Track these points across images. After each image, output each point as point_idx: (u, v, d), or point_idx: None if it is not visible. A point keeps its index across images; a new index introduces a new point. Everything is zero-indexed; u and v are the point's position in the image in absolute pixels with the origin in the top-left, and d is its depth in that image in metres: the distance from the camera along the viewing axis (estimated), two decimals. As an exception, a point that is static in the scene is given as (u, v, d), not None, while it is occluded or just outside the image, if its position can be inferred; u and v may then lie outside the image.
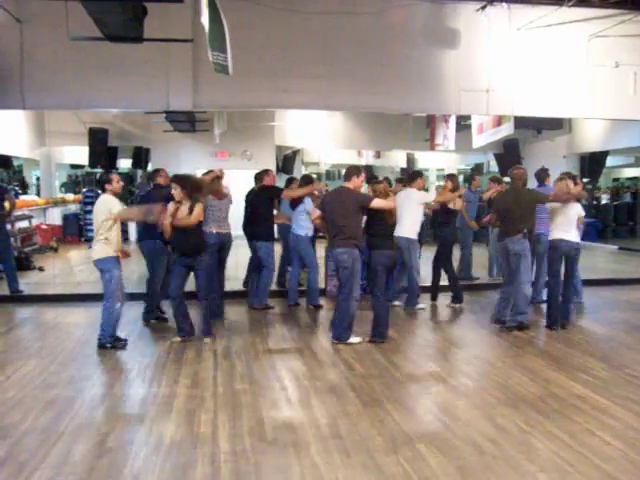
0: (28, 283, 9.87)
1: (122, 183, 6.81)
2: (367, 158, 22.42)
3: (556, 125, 15.86)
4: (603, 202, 20.01)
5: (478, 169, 21.65)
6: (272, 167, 14.03)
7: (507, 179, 8.53)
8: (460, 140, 14.70)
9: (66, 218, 16.77)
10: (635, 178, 26.99)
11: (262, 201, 8.24)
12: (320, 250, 8.88)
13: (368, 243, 6.95)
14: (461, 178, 22.04)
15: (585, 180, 17.45)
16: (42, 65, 8.70)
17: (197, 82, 8.99)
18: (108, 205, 6.37)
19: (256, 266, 8.43)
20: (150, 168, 16.66)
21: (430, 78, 9.60)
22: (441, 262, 8.80)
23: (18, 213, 12.39)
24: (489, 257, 10.54)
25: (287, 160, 18.30)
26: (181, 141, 15.84)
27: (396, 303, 8.41)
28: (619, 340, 7.05)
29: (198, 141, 15.68)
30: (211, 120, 13.93)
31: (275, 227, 8.75)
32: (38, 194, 17.07)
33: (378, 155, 22.40)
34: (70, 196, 18.16)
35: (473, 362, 6.26)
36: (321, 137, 17.66)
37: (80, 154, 17.25)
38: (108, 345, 6.43)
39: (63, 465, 3.81)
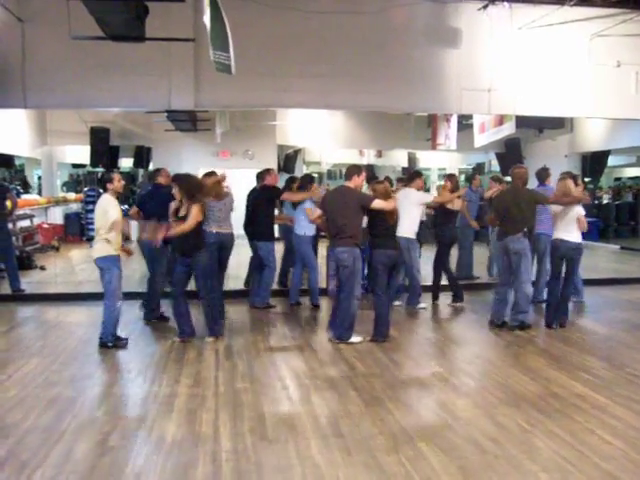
0: (30, 282, 9.88)
1: (123, 182, 6.81)
2: (368, 157, 22.41)
3: (558, 124, 15.85)
4: (605, 202, 19.99)
5: (480, 168, 21.63)
6: (274, 166, 14.01)
7: (509, 178, 8.54)
8: (462, 139, 14.69)
9: (67, 217, 16.77)
10: (637, 178, 26.96)
11: (263, 201, 8.24)
12: (322, 250, 8.88)
13: (370, 242, 6.97)
14: (462, 177, 22.02)
15: (587, 180, 17.47)
16: (44, 64, 8.71)
17: (198, 81, 8.99)
18: (106, 208, 6.36)
19: (257, 265, 8.44)
20: (151, 167, 16.67)
21: (432, 77, 9.60)
22: (440, 262, 8.83)
23: (20, 212, 12.39)
24: (489, 256, 10.54)
25: (289, 159, 18.30)
26: (182, 140, 15.83)
27: (397, 303, 8.41)
28: (620, 339, 7.05)
29: (199, 140, 15.68)
30: (213, 119, 13.93)
31: (277, 227, 8.75)
32: (40, 193, 17.07)
33: (379, 154, 22.40)
34: (72, 195, 18.15)
35: (474, 361, 6.26)
36: (322, 136, 17.65)
37: (82, 153, 17.27)
38: (109, 344, 6.44)
39: (65, 464, 3.82)
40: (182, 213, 6.52)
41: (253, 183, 8.69)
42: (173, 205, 6.63)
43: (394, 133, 17.56)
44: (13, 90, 8.64)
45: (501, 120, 12.54)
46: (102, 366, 6.08)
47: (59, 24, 7.76)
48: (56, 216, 16.45)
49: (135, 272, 9.96)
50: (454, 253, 9.63)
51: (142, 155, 17.69)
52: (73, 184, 21.72)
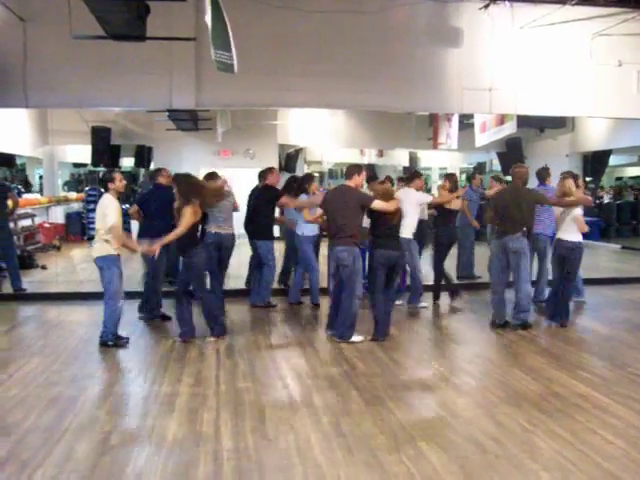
0: (31, 281, 9.89)
1: (125, 182, 6.80)
2: (370, 157, 22.43)
3: (559, 124, 15.85)
4: (606, 201, 19.98)
5: (481, 168, 21.65)
6: (275, 166, 14.04)
7: (510, 178, 8.53)
8: (463, 139, 14.70)
9: (69, 217, 16.79)
10: (638, 177, 26.94)
11: (263, 201, 8.25)
12: (324, 249, 8.88)
13: (371, 242, 6.98)
14: (463, 177, 22.02)
15: (588, 179, 17.46)
16: (45, 64, 8.70)
17: (200, 81, 8.99)
18: (105, 210, 6.34)
19: (257, 265, 8.45)
20: (153, 167, 16.67)
21: (433, 77, 9.60)
22: (436, 261, 8.86)
23: (21, 211, 12.40)
24: (490, 256, 10.52)
25: (290, 159, 18.30)
26: (184, 140, 15.83)
27: (398, 302, 8.41)
28: (621, 339, 7.04)
29: (201, 140, 15.68)
30: (214, 119, 13.93)
31: (279, 226, 8.75)
32: (41, 192, 17.09)
33: (381, 154, 22.42)
34: (73, 195, 18.17)
35: (475, 361, 6.26)
36: (324, 136, 17.66)
37: (83, 152, 17.27)
38: (110, 343, 6.44)
39: (66, 463, 3.83)
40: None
41: (254, 182, 8.68)
42: (175, 204, 6.61)
43: (395, 132, 17.57)
44: (14, 89, 8.64)
45: (502, 119, 12.53)
46: (103, 365, 6.08)
47: (60, 23, 7.77)
48: (57, 215, 16.47)
49: (136, 272, 9.95)
50: (454, 253, 9.62)
51: (143, 154, 17.70)
52: (74, 183, 21.76)
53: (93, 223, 6.68)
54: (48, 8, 8.45)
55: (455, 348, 6.83)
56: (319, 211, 7.03)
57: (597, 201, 18.64)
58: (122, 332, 6.71)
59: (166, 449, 4.04)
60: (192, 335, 6.74)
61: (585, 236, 7.54)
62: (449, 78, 9.60)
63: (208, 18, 6.15)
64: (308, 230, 8.21)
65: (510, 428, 4.39)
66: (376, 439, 4.19)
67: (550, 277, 8.19)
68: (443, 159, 22.73)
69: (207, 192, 6.82)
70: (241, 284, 9.36)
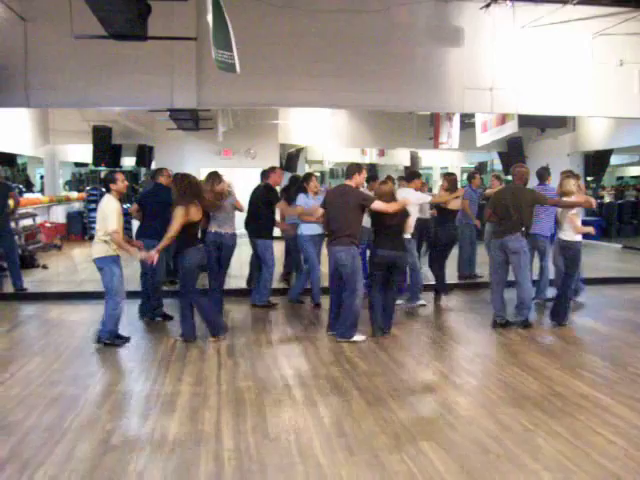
0: (32, 281, 9.89)
1: (127, 183, 6.80)
2: (371, 156, 22.42)
3: (560, 123, 15.83)
4: (607, 200, 19.97)
5: (482, 167, 21.64)
6: (277, 165, 14.05)
7: (510, 177, 8.53)
8: (464, 138, 14.68)
9: (70, 216, 16.80)
10: (639, 177, 26.93)
11: (264, 200, 8.25)
12: (325, 249, 8.88)
13: (372, 241, 7.00)
14: (465, 176, 22.02)
15: (589, 179, 17.46)
16: (46, 63, 8.71)
17: (201, 80, 8.99)
18: (106, 212, 6.32)
19: (257, 264, 8.46)
20: (154, 166, 16.69)
21: (434, 76, 9.59)
22: (442, 260, 8.86)
23: (22, 211, 12.41)
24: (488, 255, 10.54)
25: (291, 158, 18.31)
26: (185, 139, 15.84)
27: (399, 302, 8.39)
28: (622, 339, 7.03)
29: (202, 139, 15.68)
30: (215, 118, 13.94)
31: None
32: (42, 192, 17.10)
33: (382, 153, 22.41)
34: (74, 194, 18.19)
35: (476, 360, 6.25)
36: (325, 135, 17.66)
37: (84, 152, 17.30)
38: (107, 341, 6.43)
39: (67, 462, 3.83)
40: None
41: (255, 182, 8.68)
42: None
43: (396, 132, 17.57)
44: (16, 89, 8.65)
45: (503, 119, 12.54)
46: (104, 365, 6.07)
47: (62, 23, 7.77)
48: (58, 215, 16.49)
49: (137, 272, 9.94)
50: (454, 252, 9.62)
51: (144, 154, 17.72)
52: (75, 183, 21.78)
53: (94, 223, 6.67)
54: (49, 8, 8.45)
55: (456, 347, 6.82)
56: (320, 210, 7.02)
57: (598, 200, 18.64)
58: (123, 332, 6.72)
59: (167, 448, 4.04)
60: (193, 335, 6.74)
61: (586, 235, 7.53)
62: (450, 77, 9.61)
63: (210, 17, 6.16)
64: (308, 229, 8.20)
65: (511, 428, 4.39)
66: (377, 439, 4.19)
67: (552, 276, 8.21)
68: (444, 159, 22.74)
69: (206, 194, 6.81)
70: (243, 283, 9.37)
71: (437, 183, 22.05)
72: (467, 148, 17.51)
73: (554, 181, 8.37)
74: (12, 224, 10.41)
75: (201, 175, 9.96)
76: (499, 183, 10.40)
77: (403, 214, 6.93)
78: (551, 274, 8.35)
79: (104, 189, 6.66)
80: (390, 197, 6.82)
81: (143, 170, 20.75)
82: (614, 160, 18.88)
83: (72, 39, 7.76)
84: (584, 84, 9.85)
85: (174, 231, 6.37)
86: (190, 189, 6.52)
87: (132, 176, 21.18)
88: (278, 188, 9.00)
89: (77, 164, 21.67)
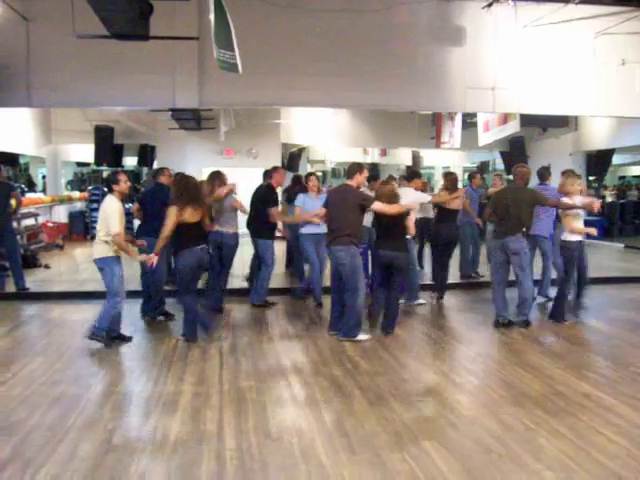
0: (34, 280, 9.90)
1: (129, 183, 6.80)
2: (373, 156, 22.41)
3: (562, 123, 15.79)
4: (609, 200, 19.95)
5: (484, 167, 21.62)
6: (279, 165, 14.05)
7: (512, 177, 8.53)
8: (466, 138, 14.67)
9: (72, 216, 16.82)
10: (641, 176, 26.91)
11: (265, 200, 8.26)
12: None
13: (375, 242, 7.00)
14: (466, 176, 22.01)
15: (591, 178, 17.43)
16: (48, 63, 8.73)
17: (203, 80, 8.99)
18: (108, 212, 6.30)
19: (258, 263, 8.46)
20: (156, 166, 16.68)
21: (436, 76, 9.59)
22: (446, 260, 8.85)
23: (24, 211, 12.42)
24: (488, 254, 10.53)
25: (293, 158, 18.30)
26: (187, 139, 15.84)
27: (399, 301, 8.40)
28: (624, 338, 7.02)
29: (204, 139, 15.67)
30: (217, 118, 13.93)
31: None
32: (44, 192, 17.12)
33: (384, 153, 22.39)
34: (76, 194, 18.20)
35: (477, 360, 6.25)
36: (327, 135, 17.65)
37: (86, 152, 17.29)
38: (98, 338, 6.40)
39: (69, 462, 3.83)
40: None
41: (257, 182, 8.68)
42: None
43: (398, 132, 17.56)
44: (18, 89, 8.66)
45: (505, 118, 12.53)
46: (106, 364, 6.07)
47: (64, 23, 7.78)
48: (60, 215, 16.50)
49: (137, 272, 9.95)
50: (456, 252, 9.62)
51: (146, 153, 17.72)
52: (77, 183, 21.79)
53: (96, 222, 6.65)
54: (51, 7, 8.46)
55: (458, 347, 6.81)
56: (323, 211, 7.02)
57: (600, 200, 18.61)
58: (125, 331, 6.73)
59: (169, 448, 4.04)
60: (191, 335, 6.73)
61: (588, 235, 7.52)
62: (452, 77, 9.60)
63: (212, 17, 6.16)
64: (307, 228, 8.21)
65: (513, 427, 4.39)
66: (379, 438, 4.19)
67: (554, 276, 8.20)
68: (446, 158, 22.71)
69: (206, 198, 6.81)
70: (244, 283, 9.37)
71: (439, 183, 22.01)
72: (469, 148, 17.50)
73: (555, 181, 8.36)
74: (14, 224, 10.42)
75: (203, 175, 9.96)
76: (502, 182, 10.40)
77: (402, 214, 6.92)
78: (554, 274, 8.34)
79: (106, 189, 6.66)
80: (391, 198, 6.81)
81: (145, 170, 20.74)
82: (616, 160, 18.86)
83: (74, 39, 7.77)
84: (586, 83, 9.84)
85: (167, 231, 6.37)
86: (187, 191, 6.48)
87: (134, 176, 21.17)
88: (280, 188, 8.99)
89: (79, 164, 21.68)
